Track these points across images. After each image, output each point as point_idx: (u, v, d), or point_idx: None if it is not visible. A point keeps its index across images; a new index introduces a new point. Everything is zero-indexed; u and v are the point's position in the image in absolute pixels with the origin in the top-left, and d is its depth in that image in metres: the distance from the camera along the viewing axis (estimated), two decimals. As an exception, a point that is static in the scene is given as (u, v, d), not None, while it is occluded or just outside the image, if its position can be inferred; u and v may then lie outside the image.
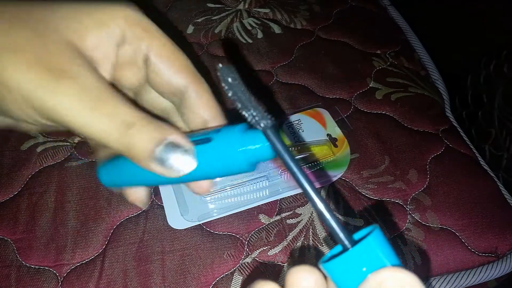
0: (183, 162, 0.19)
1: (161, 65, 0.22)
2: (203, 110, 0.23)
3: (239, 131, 0.19)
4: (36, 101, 0.19)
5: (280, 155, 0.17)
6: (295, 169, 0.17)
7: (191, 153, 0.20)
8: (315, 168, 0.40)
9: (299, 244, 0.36)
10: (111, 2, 0.22)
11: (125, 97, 0.20)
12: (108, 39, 0.21)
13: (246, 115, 0.17)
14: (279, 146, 0.17)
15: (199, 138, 0.20)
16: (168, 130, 0.19)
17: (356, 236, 0.17)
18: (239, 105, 0.17)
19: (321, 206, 0.16)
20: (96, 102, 0.19)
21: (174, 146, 0.19)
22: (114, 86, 0.21)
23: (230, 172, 0.19)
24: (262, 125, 0.17)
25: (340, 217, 0.37)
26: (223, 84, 0.17)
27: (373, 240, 0.16)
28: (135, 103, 0.24)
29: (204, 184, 0.23)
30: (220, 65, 0.17)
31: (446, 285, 0.36)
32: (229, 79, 0.17)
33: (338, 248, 0.17)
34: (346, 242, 0.16)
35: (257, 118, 0.17)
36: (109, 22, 0.21)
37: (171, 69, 0.22)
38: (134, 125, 0.19)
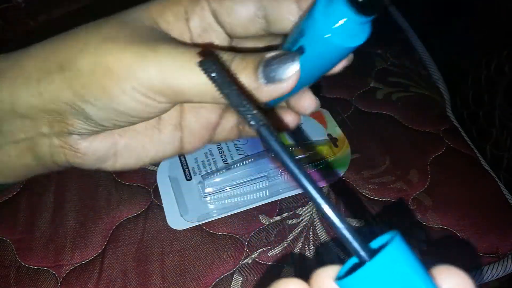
0: (287, 69, 0.20)
1: (224, 7, 0.22)
2: (286, 5, 0.21)
3: (319, 14, 0.18)
4: (137, 72, 0.20)
5: (277, 156, 0.15)
6: (294, 169, 0.15)
7: (289, 57, 0.20)
8: (316, 168, 0.40)
9: (299, 244, 0.36)
10: None
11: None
12: (176, 17, 0.22)
13: (236, 112, 0.15)
14: (275, 146, 0.15)
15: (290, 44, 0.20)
16: (265, 55, 0.20)
17: (374, 244, 0.15)
18: (228, 102, 0.16)
19: (328, 209, 0.14)
20: (188, 58, 0.20)
21: (271, 60, 0.20)
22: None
23: (334, 57, 0.20)
24: (253, 123, 0.15)
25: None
26: (208, 80, 0.16)
27: (395, 250, 0.13)
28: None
29: (307, 101, 0.23)
30: (201, 59, 0.16)
31: (447, 286, 0.36)
32: (213, 74, 0.16)
33: (354, 260, 0.15)
34: (363, 253, 0.14)
35: (248, 116, 0.15)
36: (170, 2, 0.22)
37: (235, 4, 0.22)
38: (234, 59, 0.20)
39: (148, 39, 0.21)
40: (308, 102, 0.24)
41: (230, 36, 0.24)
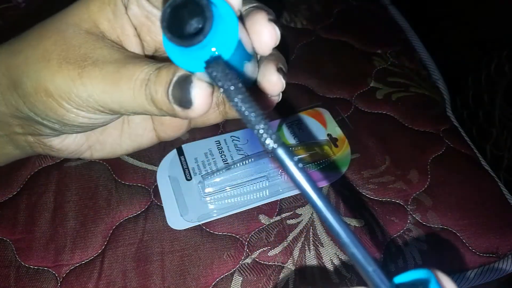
0: (189, 90, 0.19)
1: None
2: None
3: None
4: (71, 94, 0.21)
5: (293, 180, 0.14)
6: (315, 199, 0.14)
7: (190, 80, 0.19)
8: (316, 168, 0.40)
9: (299, 244, 0.36)
10: None
11: (142, 57, 0.22)
12: (114, 12, 0.23)
13: (250, 128, 0.14)
14: (291, 170, 0.14)
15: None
16: (177, 69, 0.19)
17: (400, 279, 0.14)
18: (240, 116, 0.14)
19: (352, 246, 0.13)
20: (115, 75, 0.21)
21: (183, 80, 0.19)
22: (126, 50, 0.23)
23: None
24: (270, 146, 0.14)
25: (344, 220, 0.37)
26: (217, 86, 0.15)
27: None
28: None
29: (269, 84, 0.22)
30: (207, 61, 0.15)
31: (447, 286, 0.36)
32: (222, 83, 0.14)
33: None
34: None
35: (263, 137, 0.14)
36: (108, 2, 0.23)
37: None
38: (149, 80, 0.20)
39: (81, 55, 0.21)
40: (270, 85, 0.23)
41: None
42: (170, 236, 0.36)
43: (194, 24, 0.16)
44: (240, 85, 0.14)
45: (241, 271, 0.34)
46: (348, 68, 0.49)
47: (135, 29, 0.23)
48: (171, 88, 0.19)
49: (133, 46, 0.23)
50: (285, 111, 0.44)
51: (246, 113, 0.14)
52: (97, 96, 0.21)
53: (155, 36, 0.24)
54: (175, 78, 0.19)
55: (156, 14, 0.23)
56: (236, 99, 0.14)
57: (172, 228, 0.36)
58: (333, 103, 0.45)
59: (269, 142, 0.14)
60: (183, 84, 0.19)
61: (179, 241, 0.36)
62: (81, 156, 0.28)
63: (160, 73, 0.20)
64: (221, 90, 0.14)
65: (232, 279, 0.34)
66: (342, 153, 0.41)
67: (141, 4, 0.23)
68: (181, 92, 0.19)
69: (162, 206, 0.37)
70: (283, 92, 0.47)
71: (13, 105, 0.23)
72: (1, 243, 0.35)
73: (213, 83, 0.15)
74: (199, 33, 0.15)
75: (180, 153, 0.41)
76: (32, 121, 0.24)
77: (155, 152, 0.41)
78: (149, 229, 0.36)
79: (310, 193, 0.14)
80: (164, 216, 0.37)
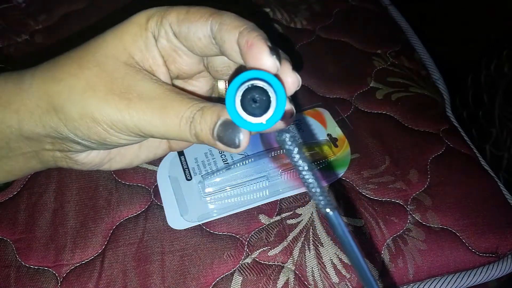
0: (236, 133, 0.22)
1: (183, 25, 0.24)
2: (230, 30, 0.23)
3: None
4: (118, 122, 0.23)
5: (344, 245, 0.17)
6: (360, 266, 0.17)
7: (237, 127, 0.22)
8: (315, 168, 0.40)
9: (299, 244, 0.36)
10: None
11: (182, 92, 0.24)
12: (146, 44, 0.25)
13: (308, 191, 0.17)
14: (344, 235, 0.17)
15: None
16: (220, 111, 0.22)
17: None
18: (299, 176, 0.17)
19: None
20: (161, 110, 0.23)
21: (227, 124, 0.22)
22: (173, 85, 0.26)
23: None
24: (325, 209, 0.17)
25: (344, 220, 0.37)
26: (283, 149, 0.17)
27: None
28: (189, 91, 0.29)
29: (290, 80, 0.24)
30: (280, 133, 0.18)
31: (446, 286, 0.36)
32: (290, 149, 0.17)
33: None
34: None
35: (320, 201, 0.17)
36: (139, 30, 0.25)
37: (191, 22, 0.24)
38: (194, 118, 0.23)
39: (125, 87, 0.23)
40: (289, 85, 0.25)
41: (194, 53, 0.26)
42: (170, 236, 0.36)
43: (256, 97, 0.20)
44: (303, 153, 0.17)
45: (241, 271, 0.34)
46: (348, 68, 0.49)
47: (163, 59, 0.26)
48: (216, 129, 0.22)
49: (162, 74, 0.26)
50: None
51: (308, 178, 0.17)
52: (142, 127, 0.23)
53: (180, 66, 0.27)
54: (219, 122, 0.22)
55: (182, 48, 0.26)
56: (299, 164, 0.17)
57: (172, 228, 0.36)
58: (333, 103, 0.45)
59: (325, 206, 0.17)
60: (227, 128, 0.22)
61: (179, 241, 0.36)
62: (101, 168, 0.31)
63: (205, 114, 0.22)
64: (288, 154, 0.18)
65: (232, 278, 0.34)
66: (342, 153, 0.41)
67: (170, 39, 0.25)
68: (227, 135, 0.22)
69: (162, 206, 0.37)
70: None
71: (52, 127, 0.25)
72: (1, 243, 0.35)
73: (281, 146, 0.18)
74: (264, 109, 0.20)
75: (180, 153, 0.41)
76: (68, 140, 0.26)
77: (155, 152, 0.41)
78: (149, 229, 0.36)
79: (359, 260, 0.17)
80: (164, 216, 0.37)
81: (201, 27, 0.23)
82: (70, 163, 0.29)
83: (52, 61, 0.26)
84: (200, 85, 0.30)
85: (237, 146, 0.22)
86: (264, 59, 0.21)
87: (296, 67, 0.44)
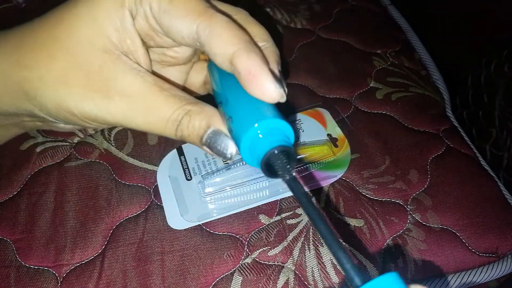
0: (227, 147, 0.21)
1: (164, 16, 0.21)
2: (223, 44, 0.20)
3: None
4: (98, 118, 0.22)
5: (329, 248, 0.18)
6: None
7: (227, 139, 0.21)
8: (316, 168, 0.40)
9: (299, 244, 0.36)
10: None
11: (169, 89, 0.22)
12: (123, 23, 0.22)
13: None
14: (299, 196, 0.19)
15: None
16: (210, 118, 0.21)
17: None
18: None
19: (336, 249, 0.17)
20: (145, 110, 0.21)
21: (217, 134, 0.21)
22: (157, 76, 0.23)
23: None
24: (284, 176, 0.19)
25: (340, 218, 0.37)
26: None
27: (385, 280, 0.16)
28: (180, 85, 0.27)
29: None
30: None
31: (446, 286, 0.36)
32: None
33: None
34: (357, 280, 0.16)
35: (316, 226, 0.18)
36: (114, 6, 0.22)
37: (175, 17, 0.21)
38: (181, 122, 0.21)
39: (103, 81, 0.21)
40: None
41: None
42: (170, 236, 0.36)
43: (279, 163, 0.21)
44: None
45: (241, 271, 0.34)
46: (348, 68, 0.49)
47: (141, 39, 0.23)
48: (205, 137, 0.21)
49: (141, 56, 0.23)
50: (285, 111, 0.44)
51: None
52: (124, 123, 0.22)
53: (159, 44, 0.24)
54: (209, 131, 0.21)
55: (159, 31, 0.23)
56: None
57: (172, 228, 0.36)
58: (333, 103, 0.45)
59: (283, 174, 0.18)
60: (217, 138, 0.21)
61: (179, 241, 0.36)
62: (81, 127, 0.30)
63: (193, 119, 0.21)
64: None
65: (232, 278, 0.34)
66: (342, 153, 0.41)
67: (149, 21, 0.22)
68: (217, 146, 0.21)
69: (162, 206, 0.37)
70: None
71: (26, 110, 0.23)
72: (1, 243, 0.35)
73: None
74: (286, 168, 0.21)
75: (180, 153, 0.41)
76: (46, 119, 0.24)
77: (155, 152, 0.41)
78: (149, 229, 0.36)
79: (320, 224, 0.18)
80: (164, 216, 0.37)
81: (185, 27, 0.21)
82: (53, 128, 0.28)
83: (15, 36, 0.23)
84: (182, 51, 0.26)
85: (228, 159, 0.22)
86: (271, 92, 0.20)
87: (297, 67, 0.43)
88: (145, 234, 0.36)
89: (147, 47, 0.24)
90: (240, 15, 0.24)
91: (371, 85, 0.48)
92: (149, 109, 0.21)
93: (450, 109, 0.49)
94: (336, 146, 0.41)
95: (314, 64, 0.49)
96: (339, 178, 0.40)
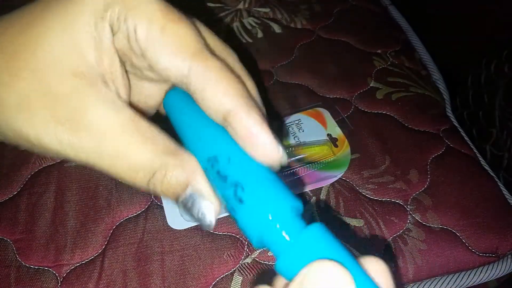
0: (206, 213, 0.18)
1: (152, 46, 0.18)
2: (219, 97, 0.18)
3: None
4: (60, 152, 0.18)
5: None
6: None
7: (215, 207, 0.18)
8: (316, 168, 0.40)
9: (299, 244, 0.36)
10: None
11: (145, 130, 0.18)
12: (101, 38, 0.18)
13: None
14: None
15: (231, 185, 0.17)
16: (189, 175, 0.18)
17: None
18: None
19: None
20: (113, 153, 0.18)
21: (196, 197, 0.18)
22: (133, 112, 0.19)
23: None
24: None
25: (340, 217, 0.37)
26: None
27: (315, 230, 0.16)
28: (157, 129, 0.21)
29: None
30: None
31: (446, 285, 0.36)
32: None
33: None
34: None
35: None
36: (93, 18, 0.18)
37: (164, 50, 0.18)
38: (154, 176, 0.18)
39: (70, 112, 0.18)
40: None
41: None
42: (170, 236, 0.36)
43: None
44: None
45: (241, 271, 0.34)
46: (348, 68, 0.49)
47: (119, 58, 0.20)
48: (181, 198, 0.18)
49: (119, 79, 0.20)
50: (285, 111, 0.44)
51: None
52: (88, 163, 0.19)
53: (134, 64, 0.20)
54: (188, 192, 0.18)
55: (138, 54, 0.19)
56: None
57: (172, 228, 0.36)
58: (333, 103, 0.45)
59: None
60: (196, 202, 0.18)
61: (179, 240, 0.36)
62: None
63: (169, 176, 0.18)
64: None
65: (232, 278, 0.34)
66: (342, 153, 0.41)
67: (131, 41, 0.19)
68: (195, 210, 0.18)
69: (162, 206, 0.37)
70: (283, 92, 0.48)
71: None
72: (1, 243, 0.35)
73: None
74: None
75: (180, 153, 0.41)
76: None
77: (155, 152, 0.41)
78: (149, 229, 0.36)
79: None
80: (164, 216, 0.37)
81: (174, 65, 0.18)
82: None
83: None
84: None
85: (206, 226, 0.18)
86: (275, 155, 0.18)
87: (297, 67, 0.43)
88: (145, 234, 0.36)
89: (125, 70, 0.21)
90: (231, 59, 0.21)
91: (371, 85, 0.48)
92: (118, 153, 0.18)
93: (450, 109, 0.49)
94: (336, 146, 0.41)
95: (314, 64, 0.49)
96: (339, 178, 0.40)
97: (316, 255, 0.15)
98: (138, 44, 0.18)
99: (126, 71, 0.20)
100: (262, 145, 0.17)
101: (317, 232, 0.16)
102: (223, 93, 0.18)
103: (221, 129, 0.18)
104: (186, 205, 0.18)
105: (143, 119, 0.19)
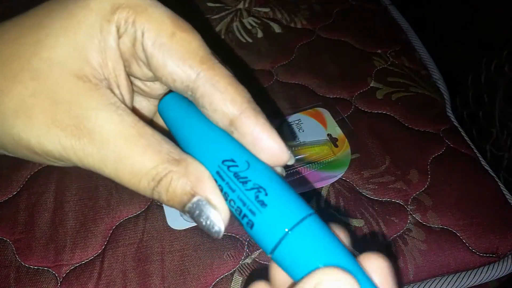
0: (214, 222, 0.17)
1: (159, 51, 0.18)
2: (228, 102, 0.18)
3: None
4: (63, 158, 0.18)
5: None
6: None
7: (224, 214, 0.17)
8: (316, 168, 0.40)
9: (299, 244, 0.36)
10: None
11: (150, 136, 0.18)
12: (106, 41, 0.18)
13: None
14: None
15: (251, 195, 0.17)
16: (195, 184, 0.17)
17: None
18: None
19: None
20: (117, 159, 0.18)
21: (203, 206, 0.17)
22: (138, 114, 0.19)
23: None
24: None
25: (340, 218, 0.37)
26: None
27: (310, 223, 0.16)
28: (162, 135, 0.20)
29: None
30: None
31: (446, 286, 0.36)
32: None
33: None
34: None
35: None
36: (99, 21, 0.18)
37: (172, 55, 0.18)
38: (159, 184, 0.18)
39: (73, 118, 0.17)
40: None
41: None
42: (170, 236, 0.36)
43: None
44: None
45: (241, 271, 0.34)
46: (348, 68, 0.49)
47: (123, 62, 0.19)
48: (187, 206, 0.18)
49: (123, 83, 0.20)
50: (285, 111, 0.44)
51: None
52: (91, 169, 0.19)
53: (133, 71, 0.20)
54: (194, 201, 0.17)
55: (144, 60, 0.19)
56: None
57: (172, 228, 0.36)
58: (333, 103, 0.45)
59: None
60: (203, 211, 0.17)
61: (179, 241, 0.36)
62: None
63: (174, 185, 0.17)
64: None
65: (232, 279, 0.34)
66: (342, 153, 0.41)
67: (137, 46, 0.18)
68: (202, 219, 0.17)
69: (162, 206, 0.37)
70: (283, 92, 0.48)
71: None
72: (1, 243, 0.35)
73: None
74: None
75: (180, 153, 0.41)
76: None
77: (155, 152, 0.41)
78: (149, 229, 0.36)
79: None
80: (164, 216, 0.37)
81: (182, 71, 0.18)
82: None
83: None
84: (156, 88, 0.23)
85: (215, 235, 0.18)
86: (282, 158, 0.18)
87: (297, 67, 0.43)
88: (145, 234, 0.36)
89: (128, 75, 0.20)
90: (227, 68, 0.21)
91: (371, 85, 0.48)
92: (121, 159, 0.18)
93: (450, 109, 0.49)
94: (336, 146, 0.41)
95: (314, 64, 0.49)
96: (339, 178, 0.40)
97: (315, 248, 0.16)
98: (143, 48, 0.18)
99: (129, 77, 0.20)
100: (270, 148, 0.18)
101: (316, 225, 0.17)
102: (231, 99, 0.18)
103: (227, 134, 0.19)
104: (193, 214, 0.17)
105: (146, 125, 0.18)
